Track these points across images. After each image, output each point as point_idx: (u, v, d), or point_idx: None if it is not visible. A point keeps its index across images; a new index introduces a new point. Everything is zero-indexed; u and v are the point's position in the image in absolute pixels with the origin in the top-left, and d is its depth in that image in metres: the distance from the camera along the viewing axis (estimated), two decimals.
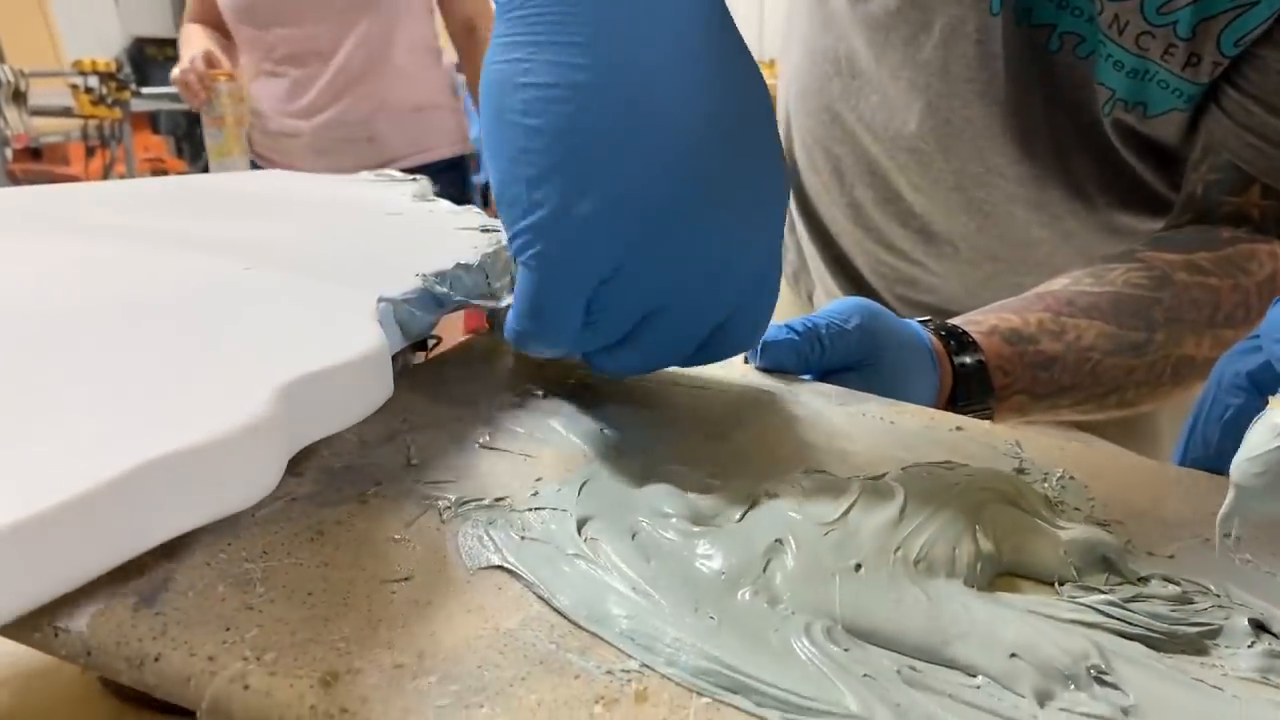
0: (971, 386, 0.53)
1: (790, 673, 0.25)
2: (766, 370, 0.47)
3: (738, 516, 0.31)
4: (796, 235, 0.83)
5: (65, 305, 0.34)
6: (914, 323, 0.54)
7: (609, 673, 0.25)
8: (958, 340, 0.54)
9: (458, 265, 0.42)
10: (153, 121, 5.34)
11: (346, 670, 0.24)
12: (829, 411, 0.43)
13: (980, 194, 0.64)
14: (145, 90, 4.54)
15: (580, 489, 0.33)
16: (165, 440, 0.24)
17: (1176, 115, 0.57)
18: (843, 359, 0.48)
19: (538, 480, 0.34)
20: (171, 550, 0.28)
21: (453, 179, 1.77)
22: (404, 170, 1.51)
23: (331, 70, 1.65)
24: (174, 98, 3.70)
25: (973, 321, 0.56)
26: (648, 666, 0.25)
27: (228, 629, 0.25)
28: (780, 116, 0.80)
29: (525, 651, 0.25)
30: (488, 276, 0.44)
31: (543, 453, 0.36)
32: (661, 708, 0.24)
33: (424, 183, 0.65)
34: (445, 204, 0.58)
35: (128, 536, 0.23)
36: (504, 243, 0.47)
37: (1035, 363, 0.55)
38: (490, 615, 0.27)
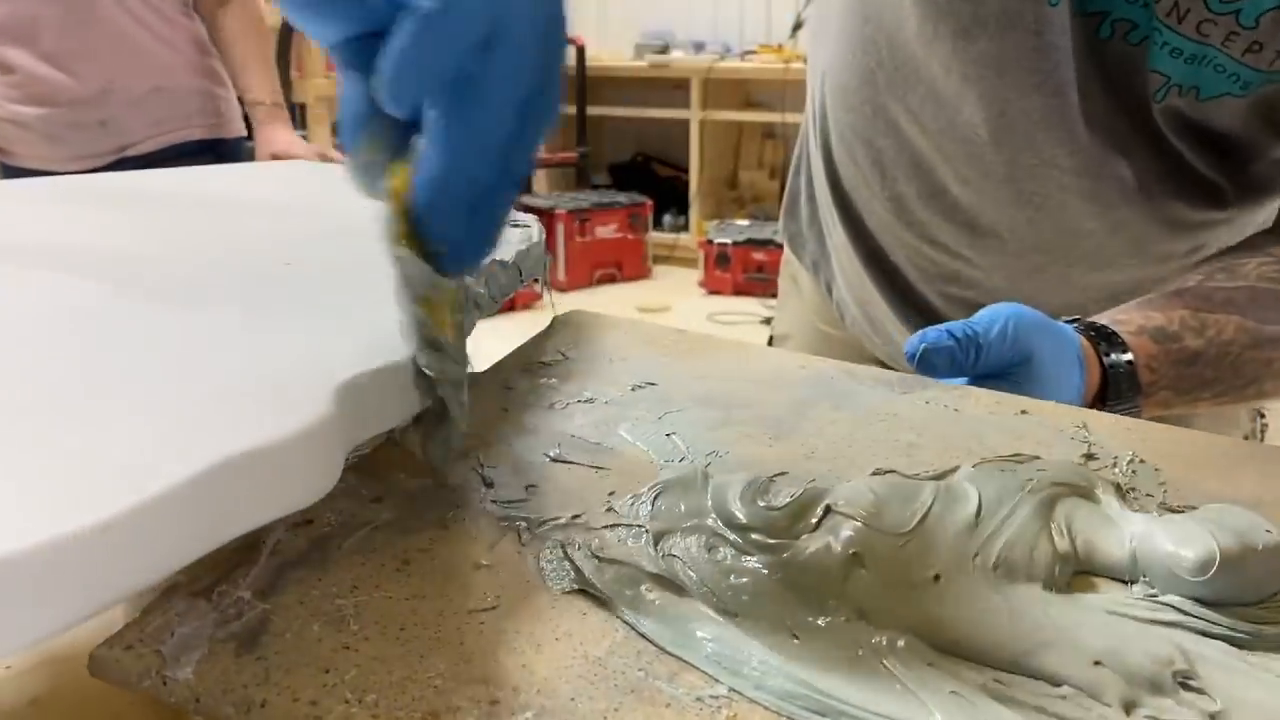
0: (1122, 386, 0.54)
1: (877, 693, 0.26)
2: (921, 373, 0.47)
3: (813, 525, 0.32)
4: (819, 227, 0.82)
5: (116, 299, 0.35)
6: (1063, 324, 0.54)
7: (699, 699, 0.25)
8: (1108, 340, 0.55)
9: (493, 263, 0.42)
10: None
11: (446, 709, 0.25)
12: (892, 401, 0.43)
13: (1032, 185, 0.63)
14: None
15: (654, 502, 0.33)
16: (236, 439, 0.25)
17: (1230, 101, 0.57)
18: (996, 364, 0.49)
19: (610, 494, 0.34)
20: (265, 590, 0.28)
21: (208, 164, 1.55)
22: (145, 154, 1.45)
23: (42, 48, 1.42)
24: None
25: (1119, 321, 0.57)
26: (736, 691, 0.26)
27: (327, 671, 0.26)
28: (812, 109, 0.79)
29: (615, 680, 0.26)
30: (520, 273, 0.44)
31: (613, 463, 0.36)
32: None
33: None
34: None
35: (204, 534, 0.24)
36: (535, 238, 0.47)
37: (1180, 359, 0.56)
38: (578, 642, 0.27)
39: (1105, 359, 0.54)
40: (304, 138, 2.94)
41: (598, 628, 0.28)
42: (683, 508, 0.33)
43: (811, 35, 0.80)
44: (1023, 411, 0.43)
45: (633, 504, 0.33)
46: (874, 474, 0.35)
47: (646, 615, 0.28)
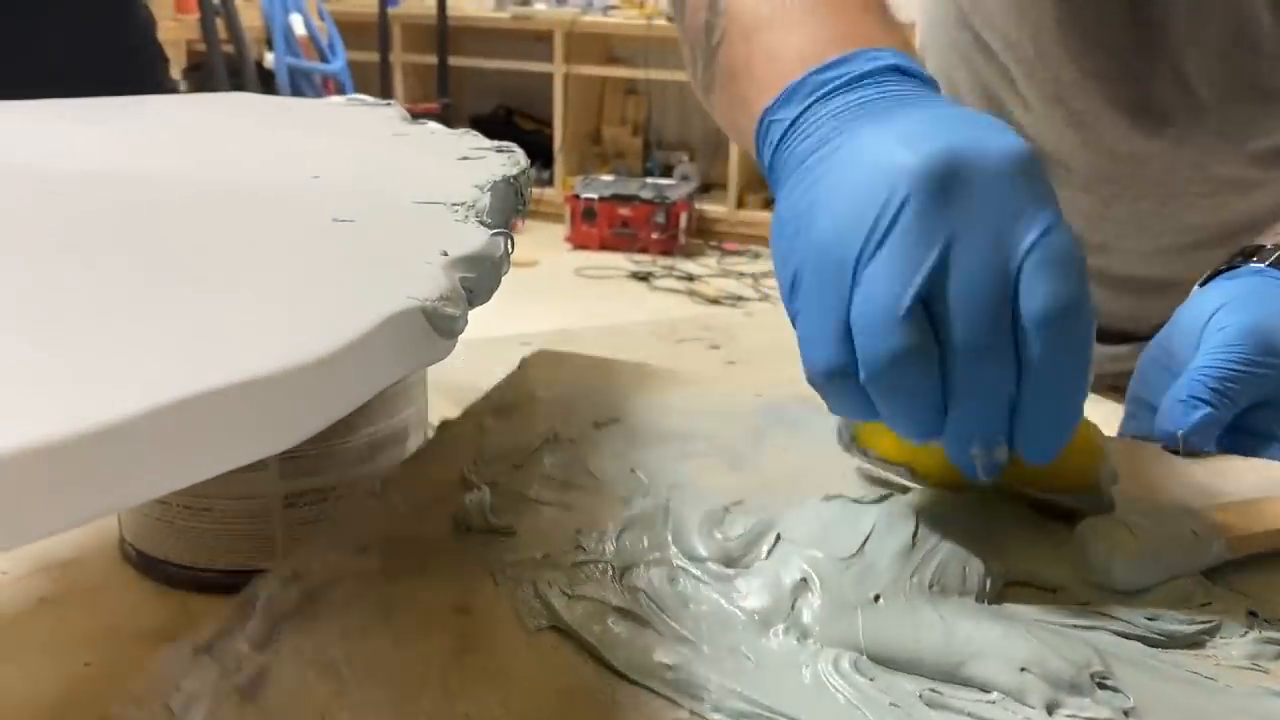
0: None
1: (824, 707, 0.28)
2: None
3: (764, 554, 0.34)
4: None
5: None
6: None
7: None
8: None
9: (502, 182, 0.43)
10: None
11: None
12: None
13: (1079, 103, 0.63)
14: None
15: (618, 539, 0.36)
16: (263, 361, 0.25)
17: None
18: (1252, 399, 0.45)
19: (578, 532, 0.37)
20: (262, 643, 0.31)
21: None
22: None
23: None
24: None
25: None
26: (696, 714, 0.28)
27: (323, 716, 0.28)
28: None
29: (585, 710, 0.29)
30: (521, 196, 0.45)
31: (578, 501, 0.39)
32: None
33: (397, 106, 0.66)
34: (437, 126, 0.59)
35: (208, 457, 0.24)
36: (522, 163, 0.49)
37: None
38: (552, 675, 0.30)
39: None
40: None
41: (570, 661, 0.30)
42: (645, 542, 0.36)
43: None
44: None
45: (599, 540, 0.36)
46: (824, 499, 0.38)
47: (613, 647, 0.31)
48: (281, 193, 0.42)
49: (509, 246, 0.38)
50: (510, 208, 0.44)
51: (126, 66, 0.96)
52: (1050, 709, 0.29)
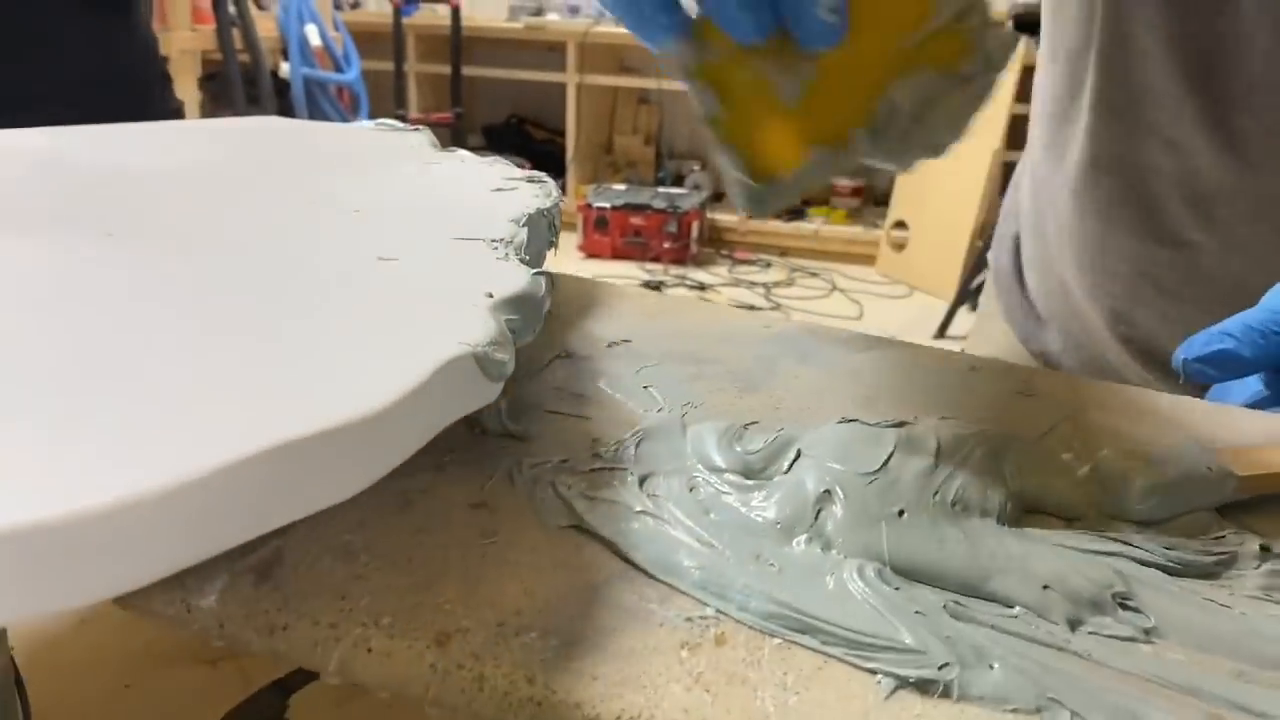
0: None
1: (850, 613, 0.28)
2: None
3: (785, 468, 0.34)
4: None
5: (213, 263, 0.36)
6: None
7: (689, 620, 0.28)
8: None
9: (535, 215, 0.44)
10: None
11: (456, 630, 0.27)
12: (851, 358, 0.45)
13: (1240, 121, 0.57)
14: None
15: (637, 447, 0.35)
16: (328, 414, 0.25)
17: None
18: None
19: (594, 440, 0.36)
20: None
21: None
22: None
23: None
24: None
25: None
26: (722, 613, 0.28)
27: (343, 598, 0.28)
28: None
29: (612, 604, 0.28)
30: (553, 227, 0.46)
31: (594, 413, 0.39)
32: (740, 649, 0.27)
33: (427, 133, 0.66)
34: (467, 154, 0.59)
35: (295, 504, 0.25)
36: (554, 194, 0.49)
37: None
38: (575, 571, 0.29)
39: None
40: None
41: (593, 559, 0.30)
42: (664, 452, 0.35)
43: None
44: (971, 368, 0.45)
45: (616, 449, 0.36)
46: (839, 423, 0.38)
47: (637, 547, 0.30)
48: (324, 229, 0.42)
49: (550, 286, 0.38)
50: (544, 240, 0.45)
51: (128, 90, 0.94)
52: (1073, 625, 0.29)
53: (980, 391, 0.43)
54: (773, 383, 0.42)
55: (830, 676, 0.26)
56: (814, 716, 0.25)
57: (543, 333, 0.45)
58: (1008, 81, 3.21)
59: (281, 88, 3.39)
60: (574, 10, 4.20)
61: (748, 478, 0.34)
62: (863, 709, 0.25)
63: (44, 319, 0.30)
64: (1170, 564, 0.32)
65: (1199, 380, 0.43)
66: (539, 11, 4.18)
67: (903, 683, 0.26)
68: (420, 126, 0.70)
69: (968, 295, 3.16)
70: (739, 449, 0.35)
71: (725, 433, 0.36)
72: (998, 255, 0.81)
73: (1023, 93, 3.22)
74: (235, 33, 3.10)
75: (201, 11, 3.07)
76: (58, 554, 0.20)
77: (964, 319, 3.16)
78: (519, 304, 0.35)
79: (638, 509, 0.32)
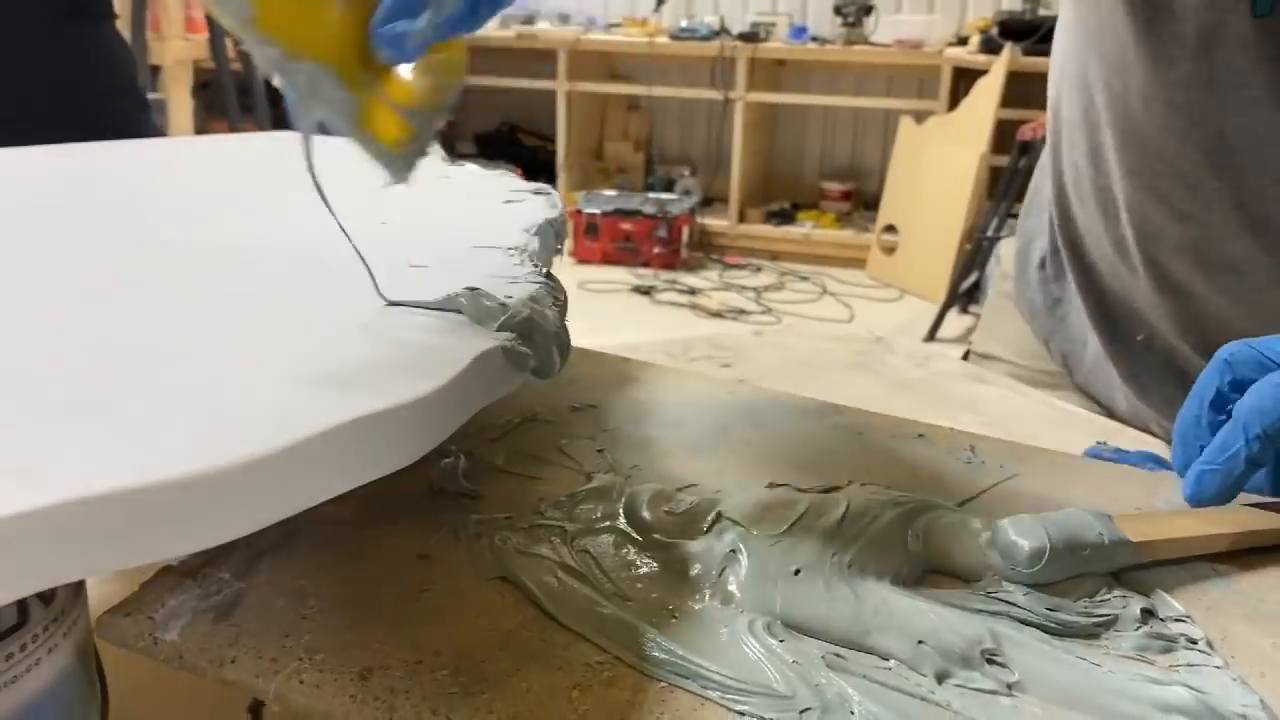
0: None
1: (732, 662, 0.31)
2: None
3: (704, 529, 0.38)
4: (1059, 275, 0.78)
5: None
6: None
7: (587, 664, 0.31)
8: None
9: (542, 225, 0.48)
10: None
11: (379, 666, 0.31)
12: (806, 425, 0.49)
13: (1263, 209, 0.59)
14: None
15: (575, 507, 0.39)
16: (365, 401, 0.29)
17: None
18: None
19: (540, 500, 0.40)
20: (242, 572, 0.34)
21: None
22: None
23: None
24: None
25: None
26: (618, 659, 0.32)
27: (286, 635, 0.32)
28: (1051, 140, 0.77)
29: (520, 648, 0.32)
30: (558, 237, 0.51)
31: (545, 474, 0.42)
32: (626, 691, 0.30)
33: (436, 146, 0.69)
34: (475, 167, 0.64)
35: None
36: (560, 205, 0.53)
37: None
38: (495, 618, 0.33)
39: None
40: (161, 101, 2.76)
41: (512, 608, 0.34)
42: (599, 512, 0.39)
43: (1052, 72, 0.76)
44: (919, 435, 0.48)
45: (557, 508, 0.39)
46: (768, 486, 0.41)
47: (554, 598, 0.34)
48: (358, 239, 0.47)
49: (562, 290, 0.42)
50: (551, 247, 0.49)
51: (105, 111, 0.95)
52: (940, 678, 0.32)
53: (922, 457, 0.46)
54: (722, 448, 0.46)
55: (703, 717, 0.29)
56: None
57: (510, 396, 0.49)
58: (993, 87, 3.24)
59: (275, 97, 3.38)
60: (564, 19, 4.27)
61: (670, 537, 0.37)
62: None
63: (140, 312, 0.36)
64: (1050, 624, 0.34)
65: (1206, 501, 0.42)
66: (530, 20, 4.24)
67: None
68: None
69: (957, 298, 3.17)
70: (666, 510, 0.39)
71: (657, 495, 0.39)
72: (1024, 247, 0.82)
73: (1008, 98, 3.21)
74: (228, 42, 2.99)
75: (194, 20, 3.05)
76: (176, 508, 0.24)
77: (954, 321, 3.18)
78: (537, 303, 0.39)
79: (562, 564, 0.36)
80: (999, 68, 3.28)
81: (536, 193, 0.56)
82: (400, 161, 0.36)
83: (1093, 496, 0.43)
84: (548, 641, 0.32)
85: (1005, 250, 0.88)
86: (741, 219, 4.07)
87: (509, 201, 0.55)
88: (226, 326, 0.35)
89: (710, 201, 4.18)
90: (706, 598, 0.34)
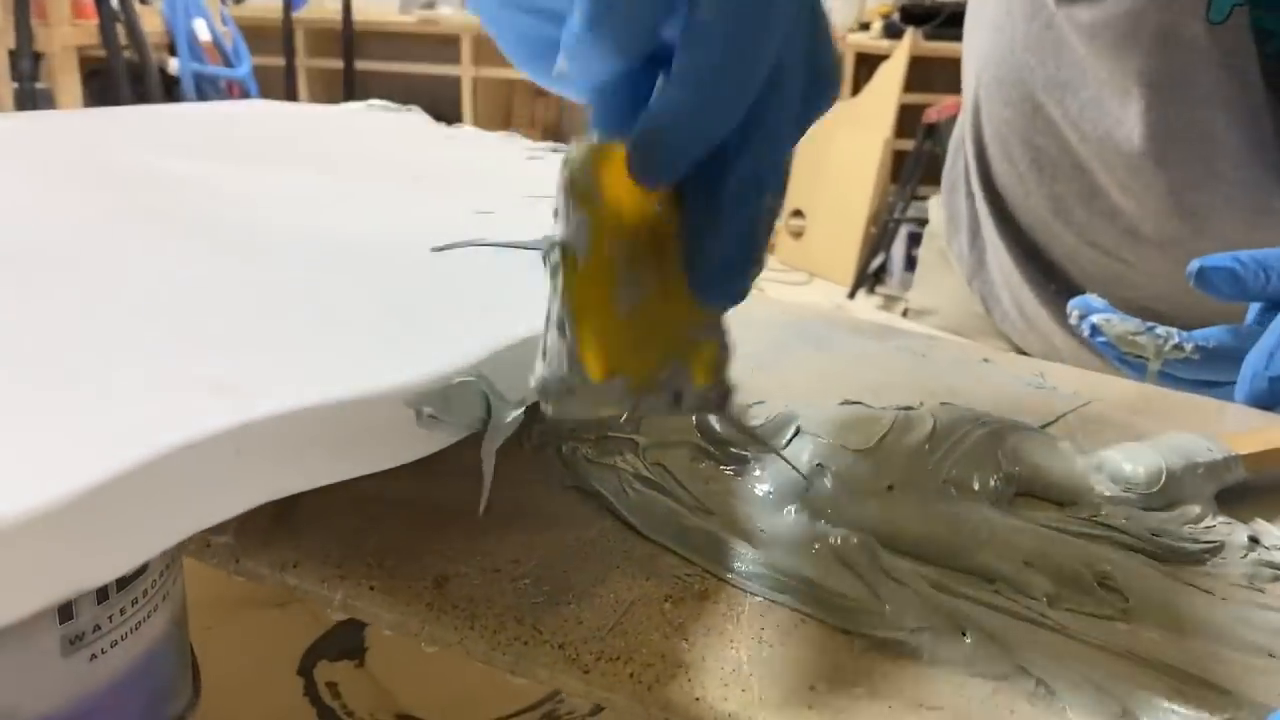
0: None
1: (830, 577, 0.29)
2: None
3: (784, 443, 0.35)
4: (975, 219, 0.80)
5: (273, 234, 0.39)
6: None
7: (675, 576, 0.29)
8: None
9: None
10: None
11: (454, 574, 0.28)
12: (866, 346, 0.46)
13: (1195, 199, 0.63)
14: None
15: (643, 419, 0.37)
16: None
17: None
18: None
19: None
20: None
21: None
22: None
23: None
24: None
25: None
26: (708, 572, 0.29)
27: (351, 541, 0.29)
28: (968, 100, 0.78)
29: (603, 558, 0.30)
30: None
31: None
32: (721, 604, 0.28)
33: (420, 111, 0.67)
34: (471, 128, 0.62)
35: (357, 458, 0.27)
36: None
37: None
38: (573, 528, 0.31)
39: None
40: (47, 90, 2.61)
41: (589, 517, 0.32)
42: (669, 424, 0.37)
43: (968, 22, 0.78)
44: (985, 360, 0.46)
45: (624, 418, 0.37)
46: (841, 404, 0.39)
47: (634, 509, 0.32)
48: (411, 189, 0.46)
49: None
50: None
51: None
52: (1051, 601, 0.30)
53: (991, 382, 0.44)
54: (784, 365, 0.43)
55: (805, 634, 0.27)
56: (784, 668, 0.26)
57: None
58: (896, 72, 3.24)
59: (169, 84, 3.20)
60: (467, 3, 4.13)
61: (746, 449, 0.35)
62: (833, 664, 0.26)
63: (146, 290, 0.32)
64: (1156, 550, 0.33)
65: (1207, 291, 0.47)
66: (431, 4, 4.09)
67: (874, 643, 0.27)
68: (413, 106, 0.72)
69: (866, 279, 3.23)
70: (740, 423, 0.36)
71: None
72: (949, 198, 0.86)
73: (910, 83, 3.23)
74: (119, 28, 2.90)
75: (83, 6, 2.90)
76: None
77: (863, 301, 3.22)
78: None
79: (638, 475, 0.33)
80: (901, 53, 3.27)
81: (554, 150, 0.55)
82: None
83: (1163, 424, 0.42)
84: (631, 552, 0.30)
85: (932, 205, 0.91)
86: None
87: (531, 158, 0.54)
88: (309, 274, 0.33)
89: None
90: (794, 512, 0.32)
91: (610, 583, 0.28)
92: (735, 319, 0.47)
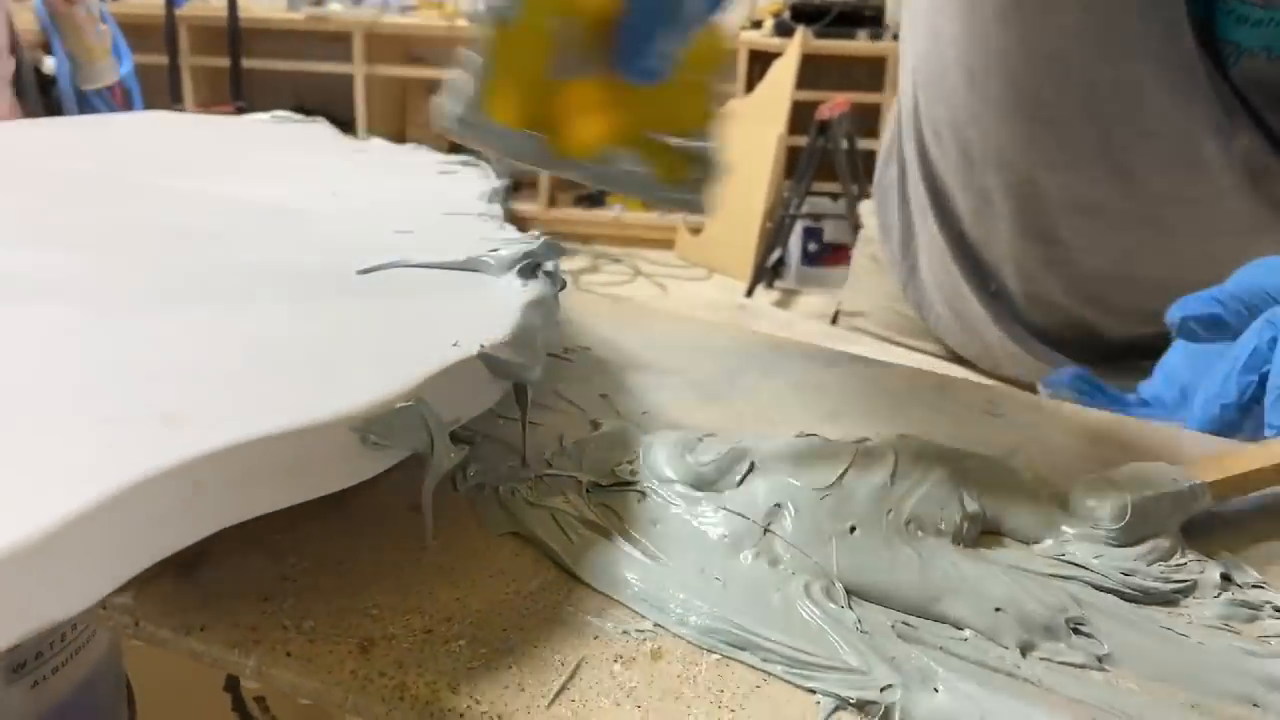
0: None
1: (793, 630, 0.27)
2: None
3: (737, 481, 0.33)
4: (909, 222, 0.82)
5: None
6: None
7: (625, 632, 0.27)
8: None
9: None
10: None
11: (382, 636, 0.26)
12: (817, 372, 0.44)
13: (1128, 159, 0.63)
14: None
15: (585, 455, 0.34)
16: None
17: None
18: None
19: (543, 448, 0.35)
20: None
21: None
22: None
23: None
24: None
25: None
26: (661, 626, 0.27)
27: (266, 599, 0.26)
28: (906, 103, 0.79)
29: (545, 614, 0.27)
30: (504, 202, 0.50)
31: (545, 420, 0.38)
32: (675, 664, 0.26)
33: (325, 123, 0.66)
34: (381, 141, 0.61)
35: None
36: (493, 173, 0.53)
37: None
38: (511, 579, 0.28)
39: None
40: None
41: (529, 566, 0.29)
42: (614, 461, 0.34)
43: (903, 31, 0.81)
44: (939, 386, 0.45)
45: (566, 456, 0.34)
46: (797, 437, 0.37)
47: (578, 556, 0.29)
48: (330, 209, 0.45)
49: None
50: (508, 213, 0.49)
51: None
52: (1024, 650, 0.28)
53: (946, 410, 0.42)
54: (734, 395, 0.41)
55: (768, 694, 0.25)
56: None
57: None
58: (788, 69, 3.33)
59: (46, 84, 2.97)
60: (358, 0, 4.03)
61: (698, 489, 0.33)
62: None
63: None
64: (1127, 590, 0.31)
65: (1189, 338, 0.47)
66: (320, 1, 4.02)
67: (843, 703, 0.25)
68: (319, 117, 0.70)
69: (764, 273, 3.31)
70: (691, 460, 0.34)
71: (678, 442, 0.35)
72: (882, 201, 0.88)
73: (802, 80, 3.32)
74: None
75: None
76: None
77: (762, 295, 3.32)
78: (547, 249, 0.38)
79: (581, 517, 0.31)
80: (793, 50, 3.33)
81: (465, 164, 0.55)
82: (695, 193, 0.38)
83: (1122, 452, 0.40)
84: (577, 606, 0.28)
85: (865, 211, 0.93)
86: (552, 203, 4.04)
87: (443, 173, 0.54)
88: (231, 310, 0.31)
89: (519, 186, 4.07)
90: (750, 557, 0.30)
91: (554, 642, 0.26)
92: (681, 349, 0.45)
